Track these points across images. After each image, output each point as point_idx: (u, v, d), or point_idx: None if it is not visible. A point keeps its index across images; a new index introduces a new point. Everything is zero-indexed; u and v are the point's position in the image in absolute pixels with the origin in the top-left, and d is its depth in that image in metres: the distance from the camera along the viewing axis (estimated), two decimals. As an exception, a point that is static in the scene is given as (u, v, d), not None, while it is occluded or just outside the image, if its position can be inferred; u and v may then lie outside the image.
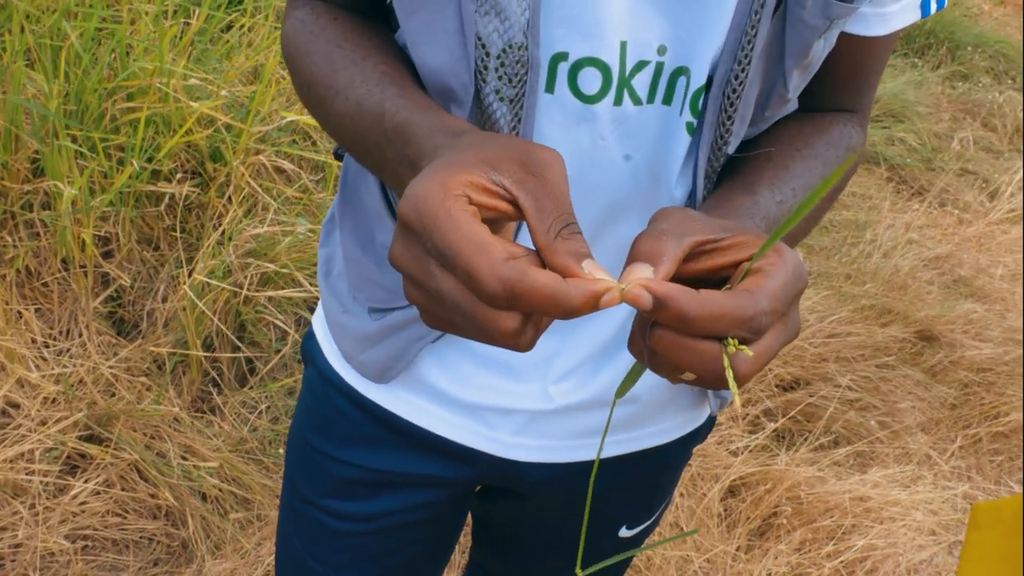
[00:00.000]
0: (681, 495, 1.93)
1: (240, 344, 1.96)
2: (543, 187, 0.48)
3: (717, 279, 0.52)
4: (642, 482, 0.92)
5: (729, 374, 0.47)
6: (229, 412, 1.92)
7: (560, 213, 0.47)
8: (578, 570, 0.49)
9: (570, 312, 0.44)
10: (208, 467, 1.79)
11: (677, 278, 0.50)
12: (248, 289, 1.90)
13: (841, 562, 1.87)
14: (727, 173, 0.70)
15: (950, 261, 2.69)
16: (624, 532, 0.96)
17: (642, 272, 0.48)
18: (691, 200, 0.70)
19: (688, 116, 0.66)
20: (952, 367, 2.34)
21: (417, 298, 0.48)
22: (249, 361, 2.00)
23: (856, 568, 1.87)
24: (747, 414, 2.16)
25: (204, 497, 1.77)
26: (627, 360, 0.78)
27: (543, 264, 0.48)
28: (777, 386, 2.23)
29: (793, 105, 0.73)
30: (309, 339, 0.88)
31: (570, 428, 0.81)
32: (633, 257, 0.49)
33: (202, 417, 1.90)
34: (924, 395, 2.27)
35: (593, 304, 0.45)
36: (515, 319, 0.45)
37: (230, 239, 1.96)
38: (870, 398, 2.22)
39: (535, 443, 0.81)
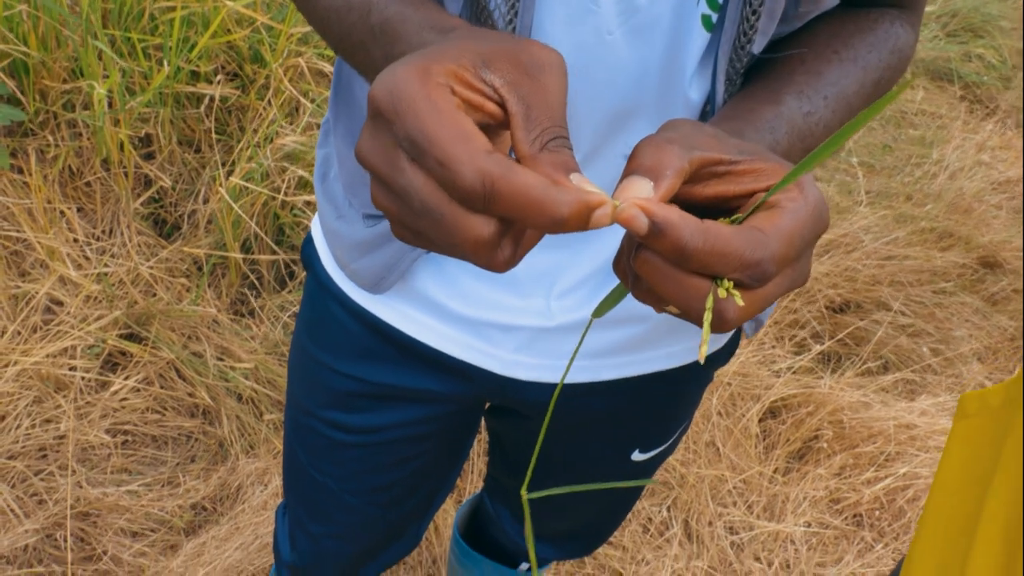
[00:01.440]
0: (719, 414, 1.89)
1: (277, 248, 1.95)
2: (537, 92, 0.42)
3: (724, 209, 0.46)
4: (655, 406, 0.88)
5: (707, 319, 0.41)
6: (266, 315, 1.92)
7: (551, 123, 0.41)
8: (523, 491, 0.44)
9: (557, 223, 0.38)
10: (243, 368, 1.80)
11: (679, 200, 0.44)
12: (285, 194, 1.88)
13: (882, 488, 1.82)
14: (754, 76, 0.62)
15: (1021, 186, 2.54)
16: (637, 456, 0.92)
17: (640, 188, 0.41)
18: (710, 105, 0.63)
19: (705, 8, 0.59)
20: (1015, 296, 2.23)
21: (383, 200, 0.42)
22: (287, 265, 2.00)
23: (897, 496, 1.82)
24: (794, 335, 2.09)
25: (239, 398, 1.79)
26: None
27: None
28: (827, 307, 2.15)
29: (833, 0, 0.63)
30: (308, 244, 0.85)
31: (572, 348, 0.77)
32: (631, 168, 0.42)
33: (240, 320, 1.91)
34: (982, 324, 2.18)
35: (584, 216, 0.38)
36: (491, 225, 0.39)
37: (269, 142, 1.94)
38: (924, 324, 2.14)
39: (535, 362, 0.77)
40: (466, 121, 0.39)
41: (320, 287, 0.83)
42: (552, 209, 0.38)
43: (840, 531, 1.78)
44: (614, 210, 0.39)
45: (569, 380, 0.79)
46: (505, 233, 0.40)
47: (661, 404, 0.88)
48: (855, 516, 1.81)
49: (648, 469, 0.97)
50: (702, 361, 0.41)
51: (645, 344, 0.79)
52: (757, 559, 1.73)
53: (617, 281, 0.71)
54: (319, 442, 0.89)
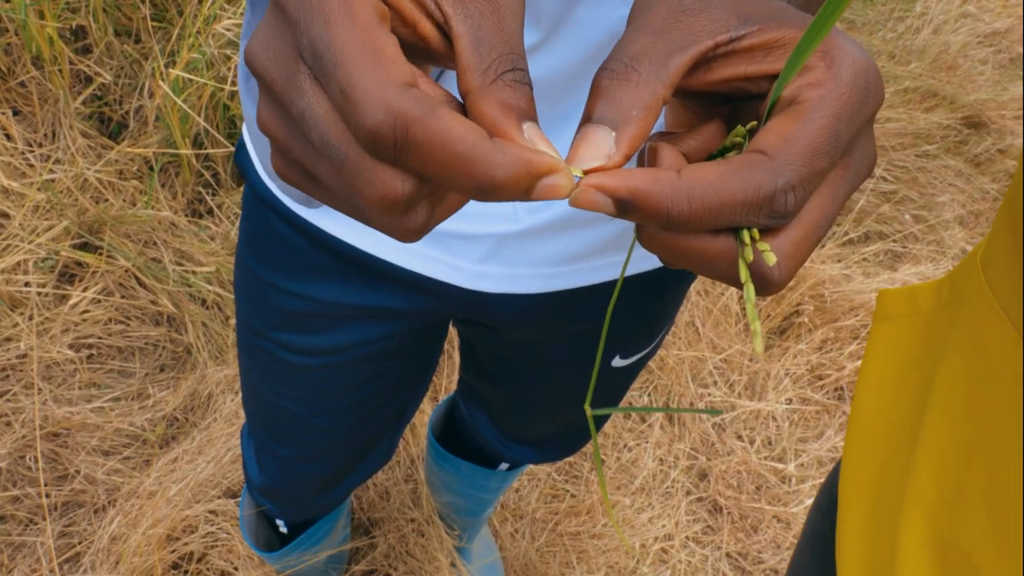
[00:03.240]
0: (698, 294, 1.86)
1: (229, 143, 1.85)
2: (492, 13, 0.32)
3: (745, 95, 0.36)
4: (636, 310, 0.82)
5: (748, 292, 0.32)
6: (225, 213, 1.84)
7: (508, 49, 0.32)
8: (587, 407, 0.37)
9: (488, 187, 0.29)
10: (205, 272, 1.73)
11: (687, 92, 0.35)
12: (232, 83, 1.77)
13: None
14: None
15: (1008, 37, 2.44)
16: (617, 362, 0.87)
17: (598, 145, 0.32)
18: None
19: None
20: (999, 156, 2.17)
21: (270, 123, 0.33)
22: (243, 162, 1.90)
23: (877, 367, 1.81)
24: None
25: (203, 303, 1.73)
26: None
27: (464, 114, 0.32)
28: (806, 179, 2.09)
29: None
30: (241, 150, 0.76)
31: (542, 254, 0.70)
32: (588, 112, 0.33)
33: (197, 221, 1.83)
34: (965, 187, 2.12)
35: (524, 185, 0.30)
36: (407, 183, 0.30)
37: (209, 26, 1.80)
38: (907, 190, 2.08)
39: (502, 271, 0.70)
40: (385, 38, 0.30)
41: (258, 199, 0.74)
42: (482, 170, 0.29)
43: (822, 406, 1.78)
44: (569, 185, 0.31)
45: (543, 288, 0.73)
46: (423, 193, 0.31)
47: (644, 308, 0.82)
48: (836, 390, 1.80)
49: (630, 374, 0.93)
50: (759, 353, 0.32)
51: (624, 244, 0.72)
52: (739, 438, 1.73)
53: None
54: (274, 365, 0.83)
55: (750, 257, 0.32)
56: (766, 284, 0.33)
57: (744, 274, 0.32)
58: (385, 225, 0.32)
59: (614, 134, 0.32)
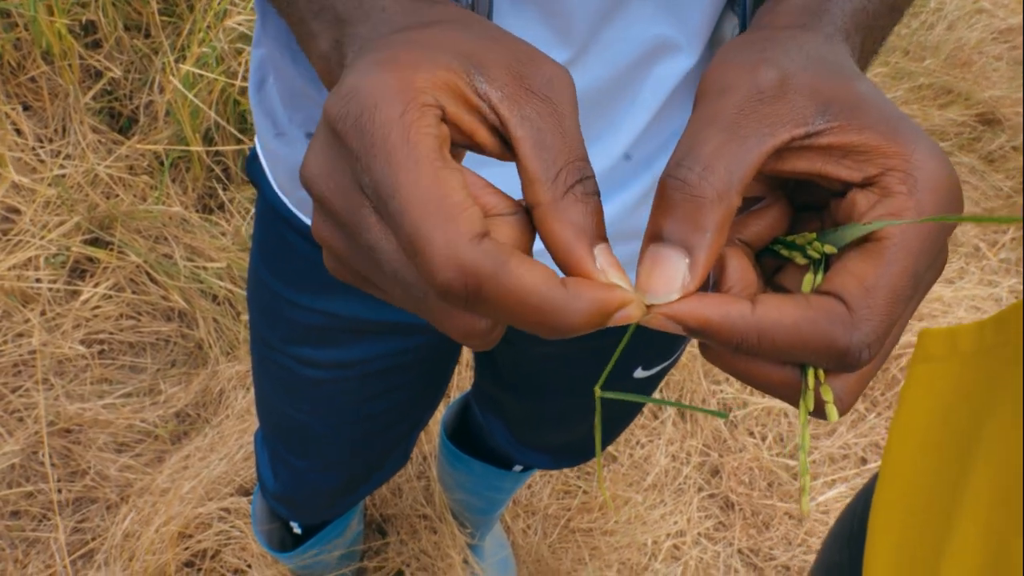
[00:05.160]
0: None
1: (241, 136, 1.84)
2: (550, 115, 0.31)
3: (822, 187, 0.34)
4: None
5: (802, 421, 0.32)
6: (236, 208, 1.84)
7: (572, 156, 0.31)
8: (597, 389, 0.37)
9: (564, 331, 0.29)
10: (216, 268, 1.73)
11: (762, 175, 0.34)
12: (243, 78, 1.76)
13: (874, 359, 1.80)
14: None
15: (1023, 35, 2.42)
16: (639, 373, 0.86)
17: (669, 271, 0.31)
18: None
19: None
20: (1013, 154, 2.15)
21: (331, 240, 0.32)
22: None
23: (891, 365, 1.81)
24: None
25: (214, 299, 1.73)
26: (639, 193, 0.62)
27: (530, 232, 0.31)
28: (818, 175, 2.08)
29: None
30: (253, 160, 0.74)
31: None
32: (656, 228, 0.31)
33: (208, 216, 1.83)
34: (979, 184, 2.11)
35: (600, 322, 0.30)
36: (480, 319, 0.30)
37: (220, 21, 1.80)
38: (919, 187, 2.07)
39: None
40: (451, 179, 0.29)
41: (272, 210, 0.73)
42: (557, 318, 0.29)
43: (833, 403, 1.78)
44: (641, 311, 0.31)
45: None
46: (497, 323, 0.31)
47: None
48: (848, 387, 1.80)
49: (650, 385, 0.92)
50: (805, 513, 0.32)
51: None
52: (751, 434, 1.73)
53: (634, 193, 0.60)
54: (289, 378, 0.82)
55: (810, 406, 0.31)
56: (825, 416, 0.32)
57: (803, 417, 0.31)
58: (463, 342, 0.32)
59: (687, 260, 0.31)
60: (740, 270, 0.33)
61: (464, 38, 0.32)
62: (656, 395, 1.75)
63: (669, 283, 0.31)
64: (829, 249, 0.32)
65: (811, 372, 0.31)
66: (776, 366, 0.32)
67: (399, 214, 0.28)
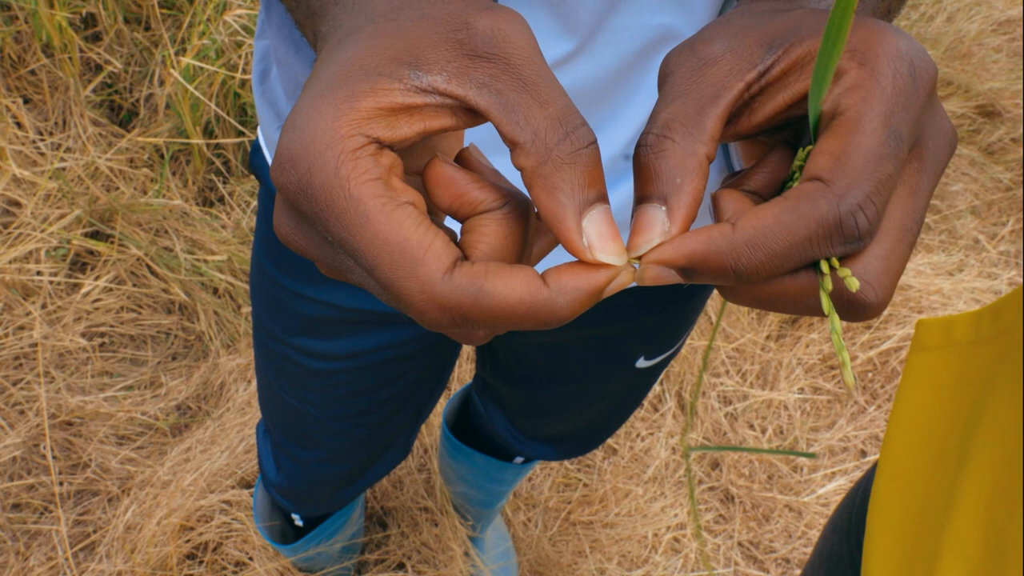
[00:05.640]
0: (710, 285, 1.85)
1: (243, 129, 1.84)
2: (503, 72, 0.30)
3: (796, 120, 0.34)
4: (662, 313, 0.81)
5: (833, 324, 0.31)
6: (236, 201, 1.84)
7: (553, 109, 0.30)
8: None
9: (559, 324, 0.30)
10: (216, 261, 1.73)
11: (740, 135, 0.34)
12: (244, 71, 1.76)
13: (877, 352, 1.80)
14: None
15: (1022, 26, 2.42)
16: (642, 363, 0.87)
17: (653, 225, 0.31)
18: None
19: None
20: (1012, 145, 2.15)
21: (329, 272, 0.33)
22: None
23: (890, 358, 1.81)
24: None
25: (215, 291, 1.73)
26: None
27: (520, 221, 0.32)
28: (819, 167, 2.08)
29: None
30: (256, 153, 0.74)
31: (566, 256, 0.70)
32: (636, 194, 0.32)
33: (208, 209, 1.83)
34: (978, 176, 2.11)
35: (592, 302, 0.30)
36: (477, 332, 0.31)
37: (220, 14, 1.80)
38: (919, 179, 2.07)
39: None
40: (407, 225, 0.29)
41: (274, 202, 0.73)
42: (549, 317, 0.30)
43: (833, 395, 1.78)
44: (632, 273, 0.31)
45: None
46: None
47: (670, 310, 0.82)
48: (848, 380, 1.80)
49: (653, 374, 0.92)
50: (851, 389, 0.31)
51: None
52: (751, 427, 1.73)
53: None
54: (294, 370, 0.83)
55: (829, 287, 0.30)
56: (863, 308, 0.31)
57: (827, 305, 0.30)
58: (459, 341, 0.33)
59: (664, 208, 0.31)
60: (734, 202, 0.33)
61: (396, 34, 0.31)
62: (656, 387, 1.76)
63: (649, 232, 0.31)
64: (809, 148, 0.32)
65: (823, 261, 0.30)
66: (789, 276, 0.31)
67: (370, 269, 0.29)
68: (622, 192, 0.61)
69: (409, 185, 0.31)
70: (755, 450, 0.32)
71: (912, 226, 0.31)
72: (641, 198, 0.32)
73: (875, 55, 0.31)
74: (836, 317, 0.31)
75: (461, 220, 0.33)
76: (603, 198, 0.30)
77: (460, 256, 0.30)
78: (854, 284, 0.30)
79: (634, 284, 0.32)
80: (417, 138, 0.31)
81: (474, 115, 0.31)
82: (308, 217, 0.30)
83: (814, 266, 0.31)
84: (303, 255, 0.33)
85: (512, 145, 0.30)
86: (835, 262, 0.30)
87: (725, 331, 1.81)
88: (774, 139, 0.37)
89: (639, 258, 0.31)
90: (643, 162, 0.32)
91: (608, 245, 0.30)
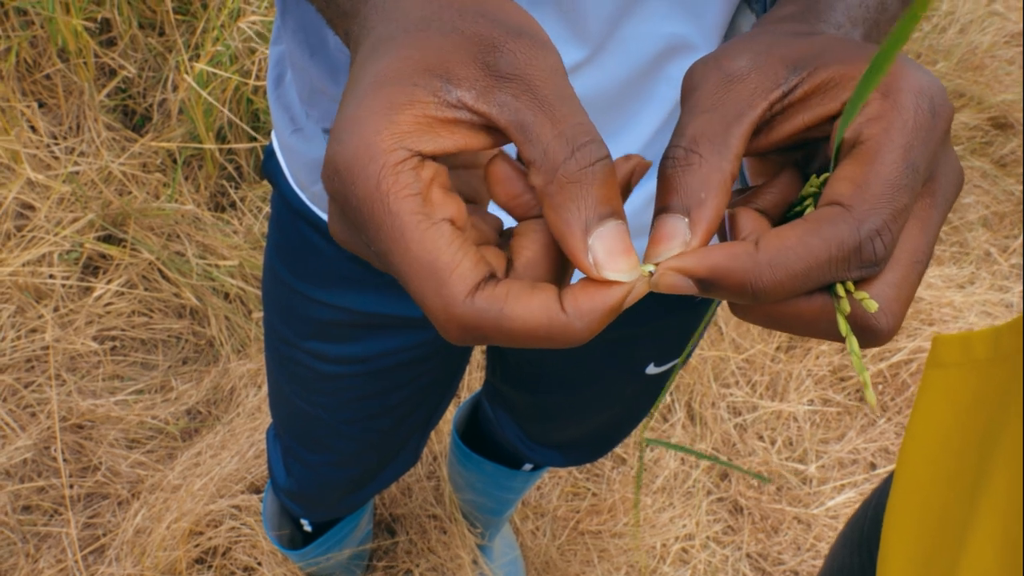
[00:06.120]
0: (720, 295, 1.85)
1: (255, 134, 1.85)
2: (523, 92, 0.31)
3: (816, 141, 0.34)
4: (673, 319, 0.82)
5: (851, 346, 0.31)
6: (247, 207, 1.84)
7: (564, 127, 0.30)
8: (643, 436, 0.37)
9: (577, 345, 0.31)
10: (228, 266, 1.74)
11: (755, 152, 0.34)
12: (257, 77, 1.77)
13: (888, 364, 1.80)
14: None
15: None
16: (652, 369, 0.87)
17: (674, 236, 0.31)
18: None
19: None
20: (1025, 157, 2.15)
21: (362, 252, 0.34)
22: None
23: (900, 370, 1.80)
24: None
25: (226, 297, 1.74)
26: (649, 192, 0.63)
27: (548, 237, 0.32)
28: (830, 178, 2.08)
29: None
30: (270, 158, 0.75)
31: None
32: (659, 204, 0.32)
33: (220, 214, 1.84)
34: (990, 188, 2.11)
35: (609, 321, 0.31)
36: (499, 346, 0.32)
37: (234, 20, 1.81)
38: (931, 191, 2.06)
39: None
40: (440, 244, 0.30)
41: (288, 207, 0.74)
42: (567, 339, 0.30)
43: (843, 407, 1.78)
44: (648, 281, 0.31)
45: None
46: None
47: (680, 317, 0.82)
48: (858, 391, 1.80)
49: (663, 381, 0.93)
50: (872, 404, 0.32)
51: None
52: (760, 438, 1.73)
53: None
54: (305, 374, 0.83)
55: (847, 309, 0.30)
56: (874, 334, 0.31)
57: (844, 327, 0.31)
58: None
59: (686, 220, 0.31)
60: (752, 221, 0.33)
61: (427, 45, 0.31)
62: (666, 398, 1.75)
63: (671, 241, 0.31)
64: (825, 176, 0.33)
65: (839, 285, 0.31)
66: (804, 298, 0.31)
67: (403, 282, 0.30)
68: (633, 199, 0.62)
69: (452, 196, 0.32)
70: (712, 458, 0.33)
71: (922, 258, 0.32)
72: (663, 208, 0.32)
73: (898, 88, 0.32)
74: (854, 339, 0.31)
75: (517, 219, 0.33)
76: (615, 214, 0.31)
77: (487, 275, 0.30)
78: (872, 305, 0.30)
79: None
80: (456, 151, 0.31)
81: (500, 135, 0.32)
82: (353, 224, 0.31)
83: (828, 289, 0.31)
84: (359, 256, 0.33)
85: (527, 164, 0.31)
86: (850, 286, 0.31)
87: (735, 342, 1.81)
88: (785, 159, 0.37)
89: (655, 264, 0.32)
90: (669, 174, 0.32)
91: (618, 262, 0.30)
